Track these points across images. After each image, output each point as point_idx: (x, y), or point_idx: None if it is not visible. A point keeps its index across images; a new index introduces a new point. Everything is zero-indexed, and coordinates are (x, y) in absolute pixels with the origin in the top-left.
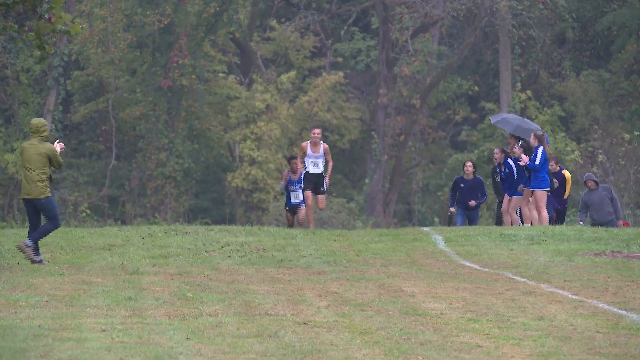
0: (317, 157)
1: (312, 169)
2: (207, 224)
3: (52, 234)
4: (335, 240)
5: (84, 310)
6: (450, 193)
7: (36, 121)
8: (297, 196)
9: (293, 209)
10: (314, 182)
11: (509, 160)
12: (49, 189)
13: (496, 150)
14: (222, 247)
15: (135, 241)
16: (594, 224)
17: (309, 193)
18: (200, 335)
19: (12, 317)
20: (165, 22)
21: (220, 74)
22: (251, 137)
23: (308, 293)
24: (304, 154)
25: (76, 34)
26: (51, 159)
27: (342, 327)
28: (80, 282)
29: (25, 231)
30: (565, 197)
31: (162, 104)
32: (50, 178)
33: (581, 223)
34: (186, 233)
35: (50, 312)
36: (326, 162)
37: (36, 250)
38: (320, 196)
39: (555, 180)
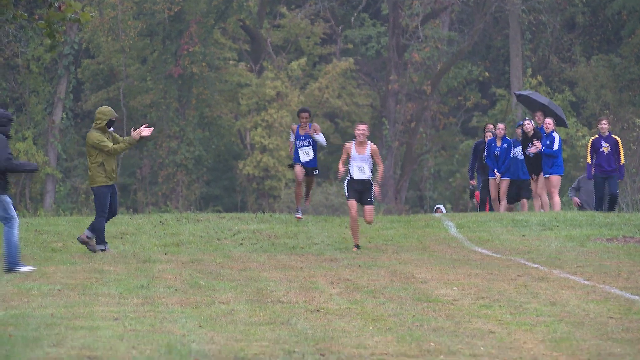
0: (362, 160)
1: (357, 174)
2: (218, 211)
3: (64, 223)
4: (347, 227)
5: (97, 298)
6: (471, 161)
7: (99, 108)
8: (306, 153)
9: (305, 168)
10: (359, 191)
11: (507, 137)
12: (99, 178)
13: (500, 126)
14: (233, 234)
15: (147, 229)
16: (582, 207)
17: (353, 202)
18: (212, 323)
19: (25, 305)
20: (176, 10)
21: (231, 62)
22: (262, 125)
23: (320, 280)
24: (348, 156)
25: (86, 22)
26: (97, 148)
27: (355, 314)
28: (93, 270)
29: (37, 220)
30: (622, 162)
31: (173, 91)
32: (103, 166)
33: (576, 199)
34: (198, 221)
35: (63, 301)
36: (374, 166)
37: (96, 240)
38: (367, 207)
39: (606, 144)
